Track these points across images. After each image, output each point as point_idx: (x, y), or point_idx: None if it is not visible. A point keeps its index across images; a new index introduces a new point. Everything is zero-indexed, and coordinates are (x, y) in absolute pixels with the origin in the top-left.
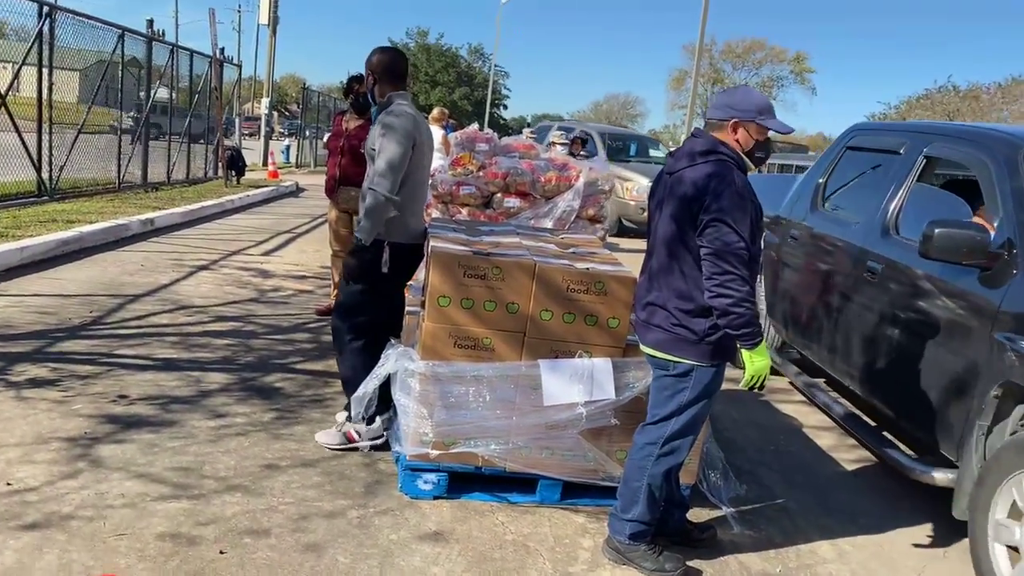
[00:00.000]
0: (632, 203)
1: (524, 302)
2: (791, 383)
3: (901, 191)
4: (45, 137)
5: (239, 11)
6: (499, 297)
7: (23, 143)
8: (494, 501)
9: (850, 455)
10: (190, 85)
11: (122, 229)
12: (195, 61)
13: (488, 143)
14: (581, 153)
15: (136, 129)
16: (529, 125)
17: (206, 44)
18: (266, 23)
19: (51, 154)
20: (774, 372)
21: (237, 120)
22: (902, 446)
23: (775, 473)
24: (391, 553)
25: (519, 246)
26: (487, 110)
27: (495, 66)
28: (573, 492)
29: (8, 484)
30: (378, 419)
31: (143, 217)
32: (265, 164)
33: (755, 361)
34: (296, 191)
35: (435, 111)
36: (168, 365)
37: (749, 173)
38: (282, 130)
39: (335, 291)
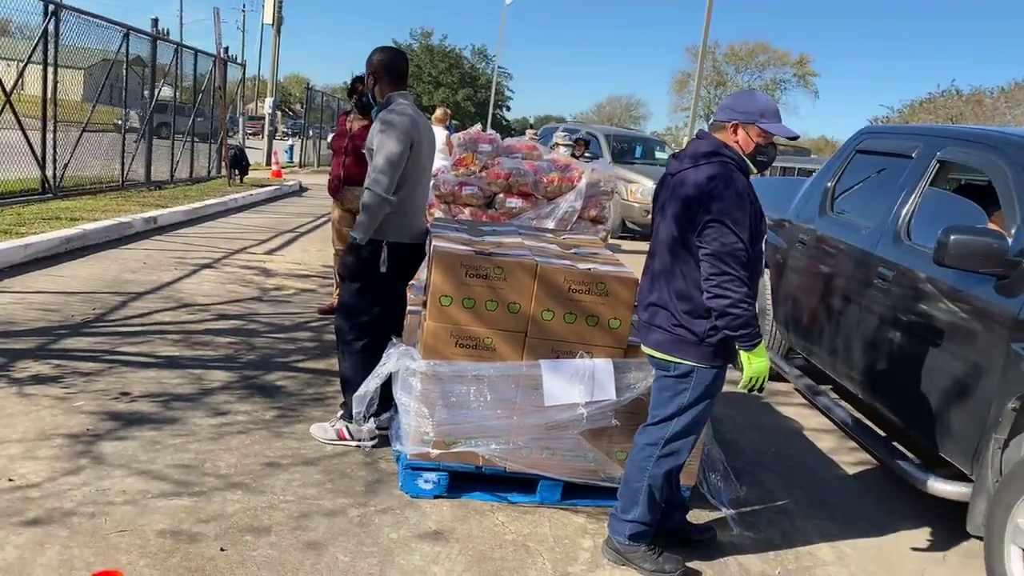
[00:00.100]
0: (636, 205)
1: (526, 302)
2: (797, 389)
3: (913, 196)
4: (49, 135)
5: (243, 10)
6: (501, 297)
7: (27, 141)
8: (494, 501)
9: (850, 458)
10: (194, 84)
11: (125, 227)
12: (199, 60)
13: (491, 144)
14: (585, 155)
15: (142, 128)
16: (532, 126)
17: (210, 43)
18: (270, 23)
19: (55, 152)
20: (779, 377)
21: (241, 119)
22: (911, 455)
23: (775, 475)
24: (391, 552)
25: (521, 246)
26: (490, 111)
27: (498, 67)
28: (573, 492)
29: (10, 480)
30: (372, 420)
31: (146, 215)
32: (269, 163)
33: (753, 362)
34: (299, 190)
35: (438, 111)
36: (170, 363)
37: (751, 177)
38: (285, 130)
39: (337, 290)
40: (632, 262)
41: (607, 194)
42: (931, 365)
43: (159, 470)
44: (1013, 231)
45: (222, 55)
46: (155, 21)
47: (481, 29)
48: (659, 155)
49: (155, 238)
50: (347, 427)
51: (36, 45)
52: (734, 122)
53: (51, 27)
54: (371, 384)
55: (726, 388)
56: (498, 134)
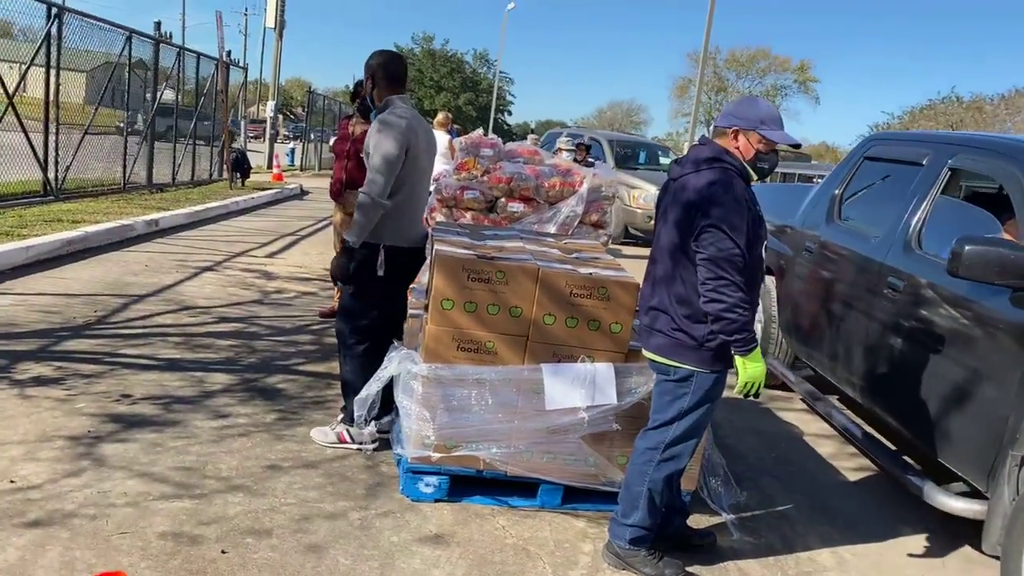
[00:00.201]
0: (639, 211)
1: (527, 306)
2: (803, 400)
3: (924, 204)
4: (52, 137)
5: (245, 14)
6: (502, 301)
7: (30, 143)
8: (495, 505)
9: (851, 463)
10: (196, 87)
11: (127, 229)
12: (201, 63)
13: (493, 148)
14: (587, 159)
15: (144, 131)
16: (533, 131)
17: (213, 46)
18: (272, 27)
19: (57, 154)
20: (784, 387)
21: (243, 123)
22: (918, 467)
23: (776, 480)
24: (392, 555)
25: (523, 250)
26: (492, 115)
27: (500, 72)
28: (574, 496)
29: (11, 482)
30: (373, 423)
31: (148, 218)
32: (270, 167)
33: (748, 368)
34: (300, 194)
35: (440, 116)
36: (171, 365)
37: (752, 183)
38: (287, 133)
39: (338, 293)
40: (633, 267)
41: (608, 199)
42: (944, 378)
43: (160, 472)
44: None
45: (224, 58)
46: (158, 24)
47: (483, 33)
48: (663, 160)
49: (156, 240)
50: (348, 430)
51: (39, 48)
52: (735, 128)
53: (54, 30)
54: (372, 388)
55: (725, 393)
56: (500, 138)
